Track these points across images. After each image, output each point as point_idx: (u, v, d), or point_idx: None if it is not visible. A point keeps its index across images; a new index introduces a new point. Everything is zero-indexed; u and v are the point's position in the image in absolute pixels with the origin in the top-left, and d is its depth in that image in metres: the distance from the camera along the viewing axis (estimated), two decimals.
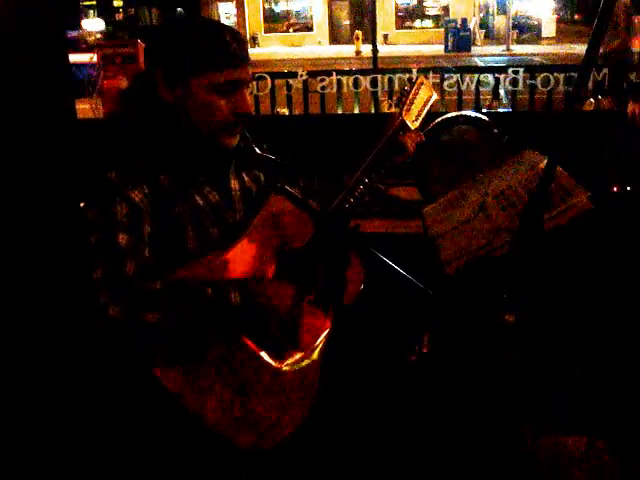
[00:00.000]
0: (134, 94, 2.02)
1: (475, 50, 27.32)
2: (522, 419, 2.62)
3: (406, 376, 2.54)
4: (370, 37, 15.94)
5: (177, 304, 1.79)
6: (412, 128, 2.28)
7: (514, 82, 5.94)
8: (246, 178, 2.11)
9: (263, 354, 1.92)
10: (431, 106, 2.35)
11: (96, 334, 1.77)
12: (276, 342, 1.95)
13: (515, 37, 29.13)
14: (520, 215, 1.84)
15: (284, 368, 1.95)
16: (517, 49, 26.92)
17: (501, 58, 23.78)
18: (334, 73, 6.21)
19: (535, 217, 1.61)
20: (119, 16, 31.50)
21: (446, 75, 6.22)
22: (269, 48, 30.39)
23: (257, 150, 2.01)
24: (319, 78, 6.32)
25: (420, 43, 30.53)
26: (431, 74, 5.98)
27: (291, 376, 1.96)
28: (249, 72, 1.94)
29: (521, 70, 5.90)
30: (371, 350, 2.47)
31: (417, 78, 2.40)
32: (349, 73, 6.64)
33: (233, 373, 1.87)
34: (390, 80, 6.10)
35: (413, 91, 2.33)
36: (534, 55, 24.38)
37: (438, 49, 27.79)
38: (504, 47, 27.18)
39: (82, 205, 1.85)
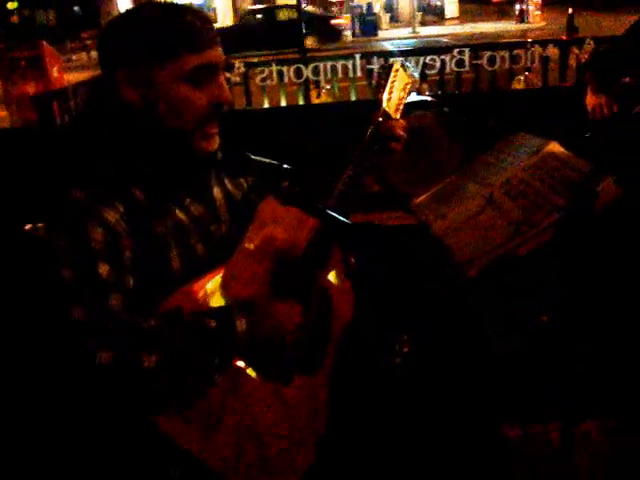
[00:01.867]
0: (93, 101, 1.80)
1: (382, 34, 27.42)
2: (511, 412, 2.57)
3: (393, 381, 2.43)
4: None
5: (177, 343, 1.59)
6: (395, 118, 2.14)
7: (459, 63, 5.86)
8: (228, 185, 1.91)
9: (271, 382, 1.75)
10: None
11: (85, 379, 1.56)
12: (286, 367, 1.78)
13: (419, 19, 29.36)
14: (537, 206, 1.72)
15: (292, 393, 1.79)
16: (423, 31, 27.14)
17: (409, 41, 23.92)
18: (273, 64, 6.00)
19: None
20: (14, 19, 30.44)
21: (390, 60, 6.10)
22: None
23: (251, 155, 1.78)
24: (258, 69, 6.11)
25: None
26: (375, 59, 5.83)
27: (302, 404, 1.80)
28: (221, 55, 1.70)
29: (467, 50, 5.82)
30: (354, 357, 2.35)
31: (391, 65, 2.25)
32: (283, 63, 6.45)
33: (241, 408, 1.70)
34: (333, 68, 5.94)
35: (390, 79, 2.18)
36: (440, 36, 24.58)
37: (345, 34, 27.76)
38: (410, 29, 27.38)
39: (48, 233, 1.62)
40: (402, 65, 2.25)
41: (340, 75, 6.13)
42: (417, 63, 6.18)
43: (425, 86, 7.25)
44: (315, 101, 7.07)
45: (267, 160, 1.74)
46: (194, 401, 1.64)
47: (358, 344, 2.30)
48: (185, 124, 1.68)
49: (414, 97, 3.92)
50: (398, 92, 2.17)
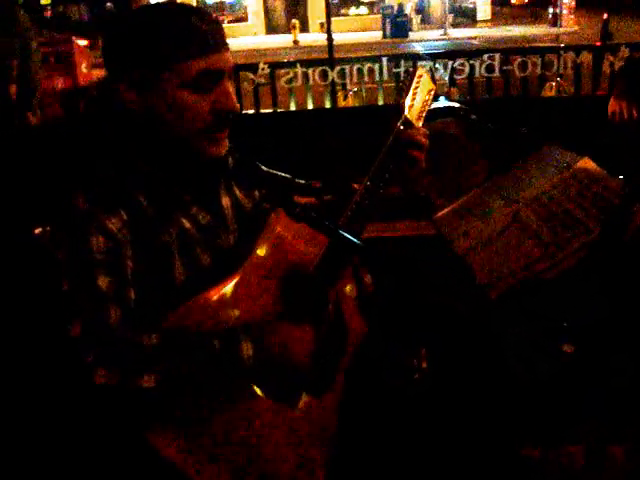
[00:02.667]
0: (96, 106, 1.70)
1: (413, 35, 27.21)
2: (531, 433, 2.46)
3: (411, 397, 2.33)
4: (306, 26, 15.65)
5: (178, 364, 1.51)
6: (417, 126, 2.03)
7: (489, 68, 5.70)
8: (238, 194, 1.82)
9: (278, 404, 1.65)
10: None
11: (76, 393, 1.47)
12: (294, 389, 1.68)
13: (451, 21, 29.11)
14: (567, 227, 1.60)
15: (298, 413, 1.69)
16: (454, 33, 26.91)
17: (440, 43, 23.74)
18: (298, 65, 5.88)
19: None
20: (47, 14, 30.61)
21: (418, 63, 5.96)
22: None
23: (262, 167, 1.68)
24: (283, 71, 6.00)
25: (356, 30, 30.32)
26: (403, 62, 5.68)
27: (309, 426, 1.70)
28: (229, 60, 1.61)
29: (497, 55, 5.66)
30: (369, 374, 2.25)
31: (415, 70, 2.14)
32: (309, 64, 6.34)
33: (243, 428, 1.60)
34: (359, 71, 5.81)
35: (414, 85, 2.08)
36: (472, 38, 24.37)
37: (375, 36, 27.61)
38: (442, 31, 27.14)
39: (46, 241, 1.54)
40: (427, 70, 2.15)
41: (366, 79, 6.01)
42: (445, 67, 6.03)
43: (454, 90, 7.12)
44: (342, 104, 6.96)
45: (278, 173, 1.63)
46: (194, 418, 1.55)
47: (373, 360, 2.21)
48: (187, 131, 1.60)
49: (441, 102, 3.83)
50: (421, 99, 2.06)
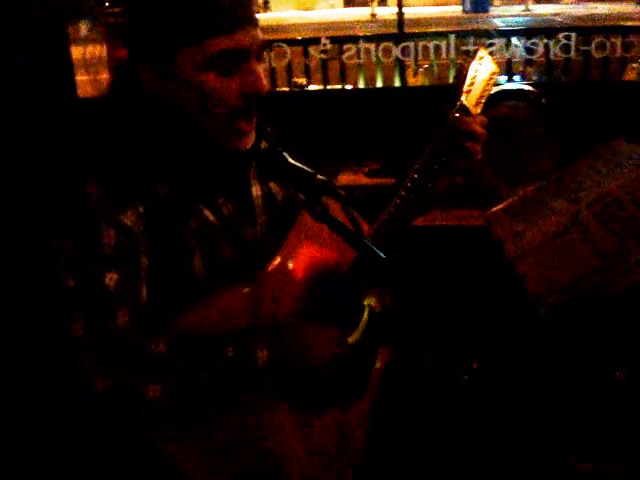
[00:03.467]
0: (115, 89, 1.56)
1: (493, 10, 26.57)
2: (583, 445, 2.31)
3: (459, 399, 2.18)
4: None
5: (187, 372, 1.38)
6: (474, 114, 1.84)
7: (565, 48, 5.38)
8: (271, 183, 1.69)
9: (298, 415, 1.51)
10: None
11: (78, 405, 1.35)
12: (317, 398, 1.54)
13: None
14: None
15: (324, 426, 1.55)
16: (537, 9, 26.17)
17: (520, 19, 23.07)
18: (361, 41, 5.67)
19: None
20: None
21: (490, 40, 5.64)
22: (281, 12, 29.73)
23: (289, 158, 1.51)
24: (344, 46, 5.79)
25: (435, 4, 29.78)
26: (472, 39, 5.40)
27: (332, 441, 1.56)
28: (258, 37, 1.44)
29: (574, 34, 5.34)
30: (415, 371, 2.10)
31: (476, 51, 1.95)
32: (373, 39, 6.12)
33: (261, 441, 1.47)
34: (423, 50, 5.56)
35: (474, 67, 1.89)
36: (555, 15, 23.62)
37: (455, 10, 27.06)
38: (523, 7, 26.45)
39: (51, 234, 1.42)
40: (488, 50, 1.97)
41: (432, 57, 5.77)
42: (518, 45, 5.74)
43: (531, 70, 6.81)
44: (411, 80, 6.73)
45: (302, 166, 1.47)
46: (203, 427, 1.43)
47: (414, 357, 2.06)
48: (213, 118, 1.44)
49: (511, 84, 3.60)
50: (481, 82, 1.87)
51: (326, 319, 1.55)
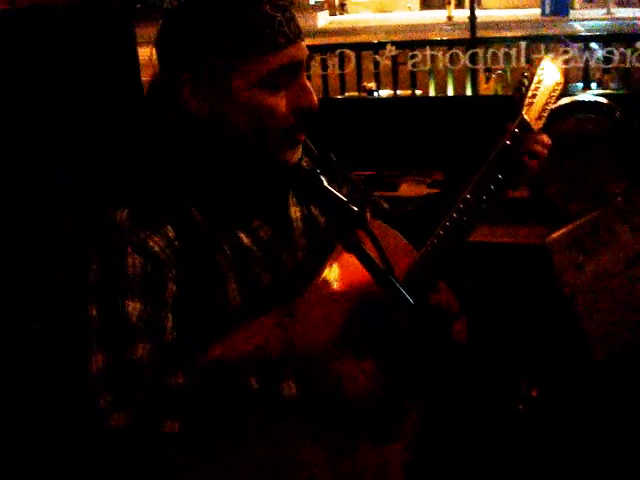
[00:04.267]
0: (152, 109, 1.49)
1: (574, 14, 25.95)
2: None
3: (514, 430, 2.06)
4: (462, 1, 15.05)
5: (207, 406, 1.30)
6: (535, 129, 1.72)
7: None
8: (313, 206, 1.60)
9: (328, 452, 1.41)
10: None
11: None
12: (349, 435, 1.43)
13: None
14: None
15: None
16: (619, 12, 25.44)
17: (602, 23, 22.47)
18: (428, 47, 5.54)
19: None
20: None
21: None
22: (358, 15, 29.62)
23: (324, 182, 1.39)
24: (410, 53, 5.67)
25: (514, 7, 29.27)
26: (543, 46, 5.20)
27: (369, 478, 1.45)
28: (304, 49, 1.41)
29: None
30: (469, 398, 1.98)
31: (540, 59, 1.82)
32: (442, 43, 5.99)
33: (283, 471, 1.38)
34: (494, 55, 5.40)
35: (536, 78, 1.77)
36: (638, 19, 22.91)
37: (534, 13, 26.53)
38: (605, 10, 25.76)
39: (76, 257, 1.35)
40: (552, 59, 1.84)
41: (501, 64, 5.59)
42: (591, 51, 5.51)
43: (608, 78, 6.55)
44: (483, 86, 6.56)
45: (336, 193, 1.36)
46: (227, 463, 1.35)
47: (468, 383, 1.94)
48: (266, 137, 1.39)
49: (583, 95, 3.42)
50: (544, 94, 1.75)
51: (364, 350, 1.45)
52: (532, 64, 1.82)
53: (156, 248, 1.33)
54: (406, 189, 3.69)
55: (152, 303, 1.33)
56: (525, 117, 1.70)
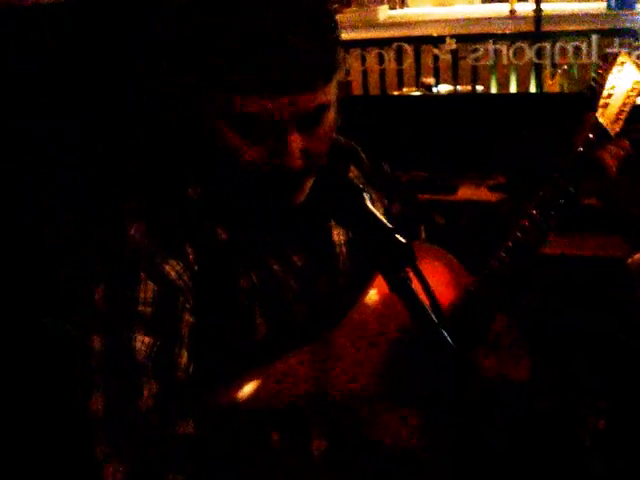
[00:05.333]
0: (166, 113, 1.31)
1: None
2: None
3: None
4: None
5: (218, 462, 1.13)
6: (612, 134, 1.52)
7: None
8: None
9: None
10: None
11: None
12: None
13: None
14: None
15: None
16: None
17: None
18: (491, 42, 5.29)
19: None
20: None
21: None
22: (418, 8, 29.25)
23: (367, 202, 1.17)
24: (471, 47, 5.44)
25: (577, 0, 28.58)
26: (617, 40, 4.91)
27: None
28: (314, 101, 1.10)
29: None
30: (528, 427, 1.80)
31: (616, 55, 1.62)
32: (505, 37, 5.75)
33: None
34: (560, 50, 5.15)
35: (612, 76, 1.57)
36: None
37: (598, 7, 25.83)
38: None
39: (83, 281, 1.19)
40: (630, 56, 1.64)
41: (571, 60, 5.32)
42: None
43: None
44: (548, 82, 6.29)
45: (380, 217, 1.14)
46: None
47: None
48: (249, 173, 1.16)
49: None
50: (621, 96, 1.55)
51: (405, 398, 1.26)
52: (606, 60, 1.64)
53: (172, 274, 1.17)
54: (465, 192, 3.50)
55: (164, 337, 1.16)
56: (600, 120, 1.51)
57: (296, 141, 1.11)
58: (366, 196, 1.16)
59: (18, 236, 2.27)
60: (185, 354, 1.18)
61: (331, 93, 1.13)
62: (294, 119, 1.10)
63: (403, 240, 1.08)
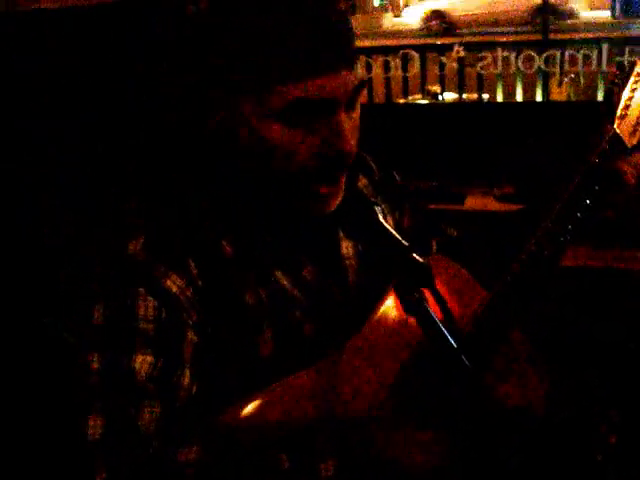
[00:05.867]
0: (175, 118, 1.28)
1: None
2: None
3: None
4: None
5: None
6: (629, 146, 1.48)
7: None
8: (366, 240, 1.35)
9: None
10: None
11: None
12: None
13: None
14: None
15: None
16: None
17: None
18: (499, 49, 5.24)
19: None
20: None
21: None
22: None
23: (380, 217, 1.13)
24: (480, 55, 5.39)
25: (581, 9, 28.54)
26: (628, 49, 4.87)
27: None
28: (349, 82, 1.09)
29: None
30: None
31: (632, 65, 1.58)
32: (513, 45, 5.70)
33: None
34: (567, 58, 5.10)
35: (630, 85, 1.53)
36: None
37: (603, 15, 25.81)
38: None
39: (80, 298, 1.15)
40: None
41: (581, 68, 5.27)
42: None
43: None
44: (555, 91, 6.24)
45: (394, 234, 1.10)
46: None
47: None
48: (281, 178, 1.13)
49: None
50: (638, 107, 1.52)
51: (418, 419, 1.20)
52: (622, 70, 1.59)
53: (174, 289, 1.11)
54: (473, 202, 3.45)
55: (166, 356, 1.11)
56: (617, 131, 1.47)
57: (346, 121, 1.10)
58: (377, 210, 1.12)
59: (18, 236, 2.24)
60: (188, 373, 1.12)
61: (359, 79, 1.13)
62: (343, 98, 1.09)
63: (421, 260, 1.03)
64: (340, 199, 1.17)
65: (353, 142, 1.11)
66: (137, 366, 1.08)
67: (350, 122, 1.12)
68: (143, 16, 2.42)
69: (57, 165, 2.29)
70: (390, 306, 1.24)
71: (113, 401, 1.07)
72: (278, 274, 1.21)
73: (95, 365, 1.08)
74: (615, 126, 1.46)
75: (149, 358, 1.09)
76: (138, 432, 1.06)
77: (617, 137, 1.45)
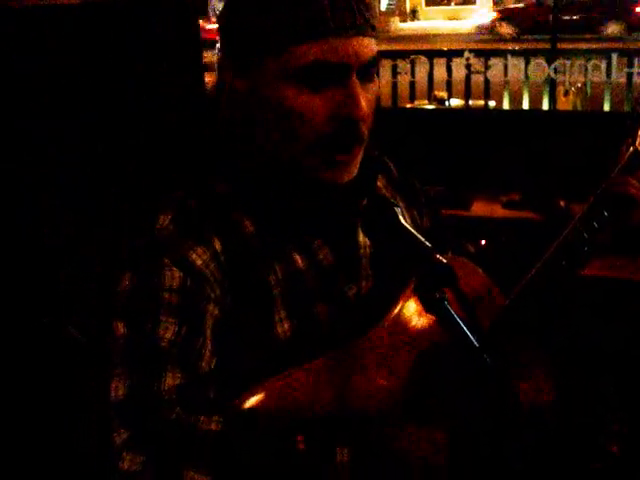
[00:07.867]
0: (209, 105, 1.27)
1: None
2: None
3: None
4: None
5: (240, 463, 1.06)
6: None
7: None
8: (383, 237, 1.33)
9: None
10: None
11: None
12: None
13: None
14: None
15: None
16: None
17: None
18: (509, 56, 5.24)
19: None
20: None
21: None
22: (430, 22, 29.33)
23: (400, 217, 1.10)
24: (488, 62, 5.38)
25: None
26: (637, 60, 4.87)
27: None
28: (366, 50, 1.11)
29: None
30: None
31: None
32: (522, 53, 5.70)
33: None
34: (575, 68, 5.10)
35: None
36: None
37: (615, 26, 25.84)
38: None
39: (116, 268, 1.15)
40: None
41: (590, 78, 5.26)
42: None
43: None
44: (562, 100, 6.24)
45: (416, 234, 1.08)
46: None
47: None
48: (294, 147, 1.13)
49: None
50: None
51: (432, 414, 1.18)
52: None
53: (199, 262, 1.11)
54: (479, 209, 3.43)
55: (189, 326, 1.09)
56: (639, 148, 1.44)
57: (359, 87, 1.10)
58: (398, 210, 1.10)
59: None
60: (209, 346, 1.11)
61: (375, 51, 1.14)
62: (357, 65, 1.09)
63: (444, 260, 1.01)
64: (355, 172, 1.16)
65: (367, 111, 1.11)
66: (161, 333, 1.07)
67: (364, 92, 1.12)
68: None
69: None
70: (407, 304, 1.21)
71: (136, 365, 1.07)
72: (294, 254, 1.19)
73: (120, 331, 1.08)
74: (637, 144, 1.44)
75: (172, 326, 1.08)
76: (160, 396, 1.05)
77: (638, 154, 1.43)
